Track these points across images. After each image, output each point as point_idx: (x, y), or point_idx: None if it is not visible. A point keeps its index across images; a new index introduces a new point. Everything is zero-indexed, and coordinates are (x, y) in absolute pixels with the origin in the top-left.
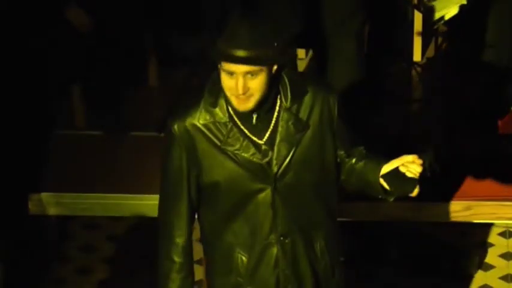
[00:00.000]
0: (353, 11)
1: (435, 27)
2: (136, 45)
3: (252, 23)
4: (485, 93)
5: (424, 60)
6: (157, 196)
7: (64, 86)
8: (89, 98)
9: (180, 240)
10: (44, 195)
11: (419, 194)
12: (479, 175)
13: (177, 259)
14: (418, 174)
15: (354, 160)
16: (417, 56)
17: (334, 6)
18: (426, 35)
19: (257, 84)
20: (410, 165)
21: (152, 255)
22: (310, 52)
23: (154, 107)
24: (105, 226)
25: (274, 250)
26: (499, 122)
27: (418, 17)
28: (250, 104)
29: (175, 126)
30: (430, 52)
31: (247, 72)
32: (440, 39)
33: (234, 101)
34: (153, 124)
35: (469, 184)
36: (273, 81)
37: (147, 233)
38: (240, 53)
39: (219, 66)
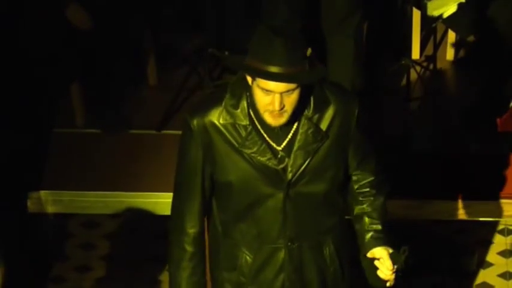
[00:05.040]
0: (351, 10)
1: (434, 25)
2: (136, 44)
3: (287, 38)
4: (484, 90)
5: (423, 58)
6: (156, 194)
7: (63, 85)
8: (88, 96)
9: (192, 231)
10: (43, 193)
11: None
12: (478, 173)
13: (188, 248)
14: (386, 278)
15: (357, 190)
16: (416, 54)
17: (333, 5)
18: (425, 33)
19: (292, 100)
20: (384, 264)
21: (150, 252)
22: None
23: (154, 105)
24: (104, 224)
25: (281, 254)
26: (498, 120)
27: (416, 15)
28: (283, 119)
29: (194, 122)
30: (429, 50)
31: (285, 91)
32: (438, 37)
33: (267, 117)
34: (152, 122)
35: (469, 182)
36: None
37: (146, 231)
38: (280, 70)
39: (250, 81)
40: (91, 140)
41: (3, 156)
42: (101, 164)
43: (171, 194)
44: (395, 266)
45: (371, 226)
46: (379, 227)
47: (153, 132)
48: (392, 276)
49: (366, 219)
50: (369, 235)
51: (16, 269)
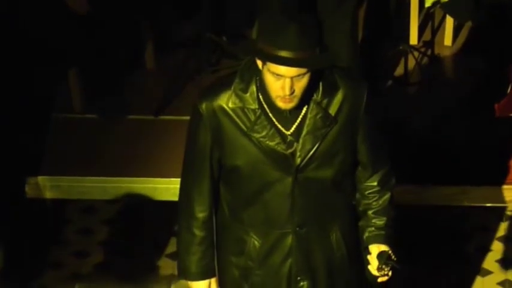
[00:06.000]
0: None
1: (431, 10)
2: (134, 28)
3: (300, 24)
4: (482, 75)
5: (421, 44)
6: (154, 179)
7: (62, 69)
8: (86, 81)
9: (201, 215)
10: (41, 179)
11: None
12: (477, 159)
13: (198, 233)
14: (374, 274)
15: (364, 184)
16: (414, 40)
17: None
18: (423, 19)
19: (303, 85)
20: (371, 262)
21: (149, 238)
22: None
23: (152, 90)
24: (102, 209)
25: (289, 240)
26: (496, 106)
27: (414, 1)
28: (293, 103)
29: (203, 106)
30: (427, 36)
31: (296, 75)
32: (436, 23)
33: (278, 102)
34: (150, 107)
35: (467, 167)
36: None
37: (144, 217)
38: (291, 54)
39: (260, 65)
40: (89, 126)
41: (1, 142)
42: (99, 150)
43: (169, 180)
44: (381, 266)
45: (373, 222)
46: (381, 223)
47: (151, 117)
48: (379, 274)
49: (370, 215)
50: (369, 230)
51: (14, 254)
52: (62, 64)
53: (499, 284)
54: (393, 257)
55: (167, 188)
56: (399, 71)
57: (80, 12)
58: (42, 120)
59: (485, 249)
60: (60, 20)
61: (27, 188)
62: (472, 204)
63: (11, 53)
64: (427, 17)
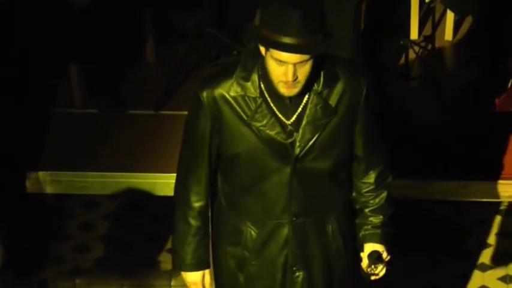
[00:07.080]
0: None
1: (432, 5)
2: (134, 23)
3: (304, 10)
4: (483, 70)
5: (421, 39)
6: (154, 175)
7: (62, 64)
8: (86, 76)
9: (197, 205)
10: (42, 174)
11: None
12: (477, 153)
13: (193, 223)
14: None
15: (361, 180)
16: (414, 35)
17: None
18: (423, 14)
19: (305, 71)
20: (363, 261)
21: (149, 233)
22: None
23: (152, 84)
24: (102, 204)
25: (285, 230)
26: (497, 100)
27: None
28: (296, 89)
29: (204, 94)
30: (428, 30)
31: (299, 61)
32: (437, 17)
33: (281, 88)
34: (150, 101)
35: (467, 162)
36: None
37: (144, 211)
38: (294, 41)
39: (263, 52)
40: (89, 121)
41: (1, 137)
42: (99, 145)
43: (169, 175)
44: (370, 266)
45: (370, 220)
46: (378, 221)
47: (152, 112)
48: (369, 273)
49: (366, 213)
50: (365, 229)
51: (15, 249)
52: (62, 59)
53: (500, 279)
54: (385, 256)
55: (167, 183)
56: (400, 65)
57: (81, 6)
58: (42, 115)
59: (485, 244)
60: (61, 13)
61: (27, 183)
62: (472, 199)
63: (11, 48)
64: (427, 12)
